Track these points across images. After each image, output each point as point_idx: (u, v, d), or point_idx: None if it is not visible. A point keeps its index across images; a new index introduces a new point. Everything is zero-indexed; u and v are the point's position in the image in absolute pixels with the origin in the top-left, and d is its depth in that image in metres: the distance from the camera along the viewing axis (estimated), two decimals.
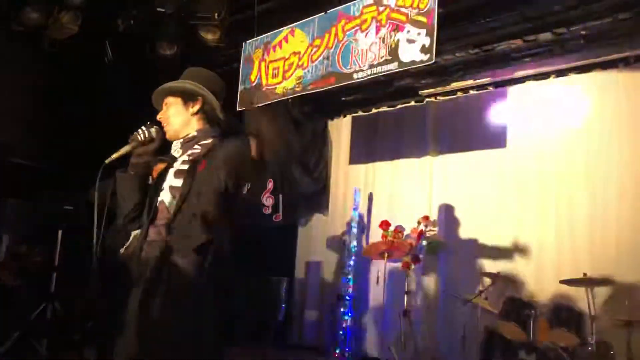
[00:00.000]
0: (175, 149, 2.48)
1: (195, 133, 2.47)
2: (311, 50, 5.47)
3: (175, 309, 2.14)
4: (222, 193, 2.25)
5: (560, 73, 6.17)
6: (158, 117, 2.51)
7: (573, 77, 6.15)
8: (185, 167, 2.34)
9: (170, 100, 2.48)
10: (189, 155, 2.39)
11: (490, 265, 6.17)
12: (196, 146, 2.42)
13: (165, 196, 2.36)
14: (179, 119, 2.46)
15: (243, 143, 2.30)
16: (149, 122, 2.52)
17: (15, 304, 5.46)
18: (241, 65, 6.21)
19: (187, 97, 2.47)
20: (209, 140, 2.43)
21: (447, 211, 6.96)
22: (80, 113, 6.45)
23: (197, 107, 2.47)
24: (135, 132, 2.48)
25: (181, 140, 2.47)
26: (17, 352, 5.21)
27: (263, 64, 5.93)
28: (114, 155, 2.48)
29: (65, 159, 6.17)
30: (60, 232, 5.70)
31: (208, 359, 2.19)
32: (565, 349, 4.99)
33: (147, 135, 2.45)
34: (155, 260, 2.22)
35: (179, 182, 2.31)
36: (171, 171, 2.39)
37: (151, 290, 2.18)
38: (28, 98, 6.47)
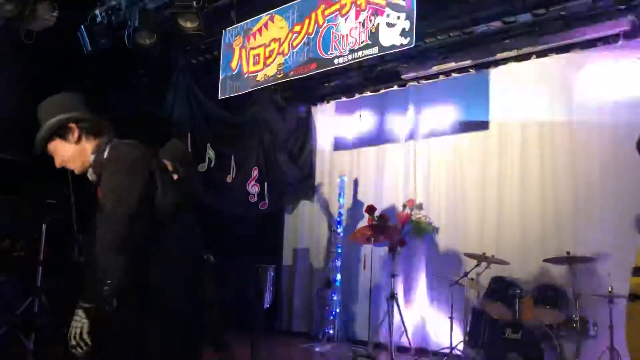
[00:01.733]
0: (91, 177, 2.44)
1: (93, 157, 2.39)
2: (291, 36, 5.44)
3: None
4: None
5: (541, 53, 6.20)
6: (57, 165, 2.43)
7: (553, 57, 6.18)
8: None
9: (51, 147, 2.40)
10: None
11: (475, 247, 6.22)
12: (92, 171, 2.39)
13: None
14: (71, 154, 2.39)
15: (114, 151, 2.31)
16: None
17: (1, 299, 5.43)
18: (222, 53, 6.17)
19: (61, 134, 2.37)
20: (104, 156, 2.36)
21: (431, 194, 7.00)
22: None
23: (76, 133, 2.38)
24: None
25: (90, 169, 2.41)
26: (4, 347, 5.19)
27: (244, 51, 5.89)
28: None
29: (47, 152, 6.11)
30: (44, 226, 5.65)
31: None
32: (550, 326, 5.09)
33: None
34: None
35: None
36: None
37: None
38: (7, 90, 6.38)
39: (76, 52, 6.23)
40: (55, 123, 2.34)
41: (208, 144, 7.41)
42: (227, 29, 6.08)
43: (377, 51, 4.78)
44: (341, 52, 5.01)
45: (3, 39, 6.11)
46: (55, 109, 2.39)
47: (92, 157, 2.37)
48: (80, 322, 2.07)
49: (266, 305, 5.51)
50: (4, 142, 6.23)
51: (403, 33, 4.56)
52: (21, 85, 6.46)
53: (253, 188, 7.75)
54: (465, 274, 5.70)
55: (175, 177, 3.27)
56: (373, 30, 4.78)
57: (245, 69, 5.85)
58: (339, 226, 7.62)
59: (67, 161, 2.39)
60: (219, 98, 6.17)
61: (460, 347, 5.78)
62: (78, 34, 6.11)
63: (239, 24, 5.98)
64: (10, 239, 5.68)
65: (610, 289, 4.93)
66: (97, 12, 6.13)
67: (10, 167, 6.11)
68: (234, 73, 5.94)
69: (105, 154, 2.33)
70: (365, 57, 4.96)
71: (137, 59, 6.46)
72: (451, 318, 5.88)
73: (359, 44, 4.86)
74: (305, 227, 8.26)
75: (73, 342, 2.08)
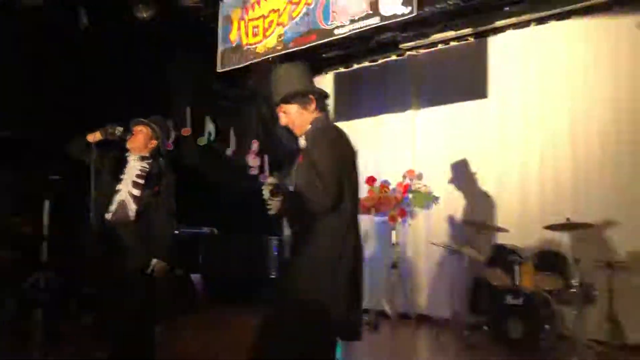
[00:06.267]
0: (302, 143, 2.67)
1: (310, 127, 2.66)
2: (290, 7, 5.39)
3: None
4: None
5: (540, 21, 6.18)
6: (282, 123, 2.71)
7: (552, 24, 6.16)
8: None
9: (286, 107, 2.67)
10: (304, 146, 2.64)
11: (475, 214, 6.28)
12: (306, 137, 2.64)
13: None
14: (301, 119, 2.67)
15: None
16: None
17: (8, 275, 5.48)
18: (219, 25, 6.12)
19: (302, 101, 2.65)
20: (310, 129, 2.66)
21: (431, 164, 7.02)
22: (61, 81, 6.34)
23: (313, 105, 2.66)
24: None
25: (303, 136, 2.67)
26: (13, 323, 5.26)
27: (242, 23, 5.84)
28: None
29: (48, 128, 6.10)
30: (47, 202, 5.68)
31: None
32: (550, 292, 5.17)
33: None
34: None
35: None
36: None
37: None
38: (5, 68, 6.33)
39: (74, 27, 6.17)
40: (303, 90, 2.64)
41: (207, 118, 7.40)
42: (225, 0, 6.02)
43: (378, 21, 4.76)
44: (342, 23, 4.98)
45: None
46: (305, 78, 2.70)
47: (309, 127, 2.65)
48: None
49: (272, 276, 5.59)
50: (3, 119, 6.21)
51: (404, 2, 4.54)
52: (20, 63, 6.41)
53: (253, 161, 7.76)
54: (466, 242, 5.76)
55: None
56: None
57: (244, 40, 5.82)
58: None
59: (294, 124, 2.68)
60: (218, 71, 6.14)
61: (462, 313, 5.89)
62: (76, 9, 6.04)
63: None
64: (18, 215, 5.72)
65: (610, 256, 5.01)
66: None
67: (11, 145, 6.11)
68: (233, 45, 5.90)
69: (317, 127, 2.62)
70: (366, 27, 4.93)
71: (135, 32, 6.39)
72: (452, 286, 5.97)
73: (360, 14, 4.83)
74: None
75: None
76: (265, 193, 2.44)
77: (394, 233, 6.65)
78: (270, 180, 2.46)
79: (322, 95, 2.69)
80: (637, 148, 5.49)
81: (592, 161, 5.81)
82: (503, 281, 5.36)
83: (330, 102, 8.14)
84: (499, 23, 6.34)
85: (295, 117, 2.64)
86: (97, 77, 6.06)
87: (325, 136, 2.54)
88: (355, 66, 7.80)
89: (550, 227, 5.31)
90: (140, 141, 3.84)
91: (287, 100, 2.62)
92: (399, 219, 6.78)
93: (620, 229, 5.41)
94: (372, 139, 7.65)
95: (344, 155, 2.57)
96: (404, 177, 6.93)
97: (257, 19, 5.71)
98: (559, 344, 4.96)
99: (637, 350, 5.09)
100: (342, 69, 7.98)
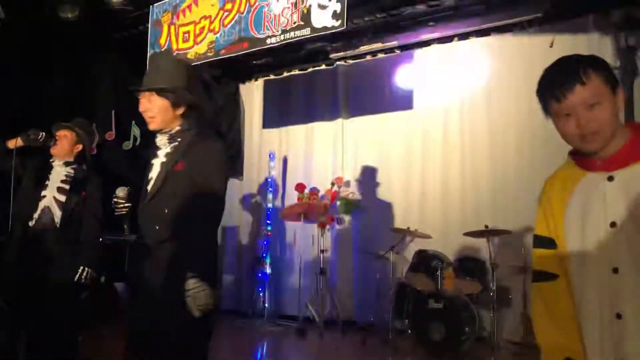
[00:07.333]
0: (162, 142, 2.51)
1: (178, 127, 2.50)
2: (222, 14, 5.39)
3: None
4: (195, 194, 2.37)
5: (462, 36, 6.48)
6: (141, 108, 2.49)
7: (473, 40, 6.47)
8: (165, 160, 2.44)
9: (154, 98, 2.47)
10: (170, 149, 2.47)
11: (400, 222, 6.48)
12: (178, 139, 2.48)
13: (148, 186, 2.45)
14: (164, 117, 2.48)
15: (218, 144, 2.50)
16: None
17: None
18: (149, 29, 6.02)
19: (175, 102, 2.46)
20: (190, 134, 2.49)
21: (358, 172, 7.19)
22: None
23: (182, 109, 2.49)
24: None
25: (167, 134, 2.50)
26: None
27: (172, 27, 5.78)
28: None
29: None
30: None
31: None
32: (469, 296, 5.42)
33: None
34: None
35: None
36: (156, 162, 2.47)
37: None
38: None
39: None
40: (180, 93, 2.44)
41: (133, 122, 7.24)
42: (155, 4, 5.94)
43: (309, 32, 4.85)
44: (273, 32, 5.04)
45: None
46: (182, 72, 2.51)
47: (177, 128, 2.48)
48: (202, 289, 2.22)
49: None
50: None
51: (335, 15, 4.66)
52: None
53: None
54: (391, 248, 5.94)
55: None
56: (305, 11, 4.84)
57: (174, 45, 5.76)
58: (268, 204, 7.70)
59: (155, 117, 2.46)
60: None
61: (387, 318, 6.05)
62: None
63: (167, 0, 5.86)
64: None
65: (524, 261, 5.33)
66: None
67: None
68: (162, 50, 5.82)
69: (197, 137, 2.46)
70: (298, 38, 5.02)
71: (58, 33, 6.17)
72: (377, 291, 6.13)
73: (291, 25, 4.91)
74: (234, 205, 8.25)
75: (205, 305, 2.21)
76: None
77: (322, 239, 6.75)
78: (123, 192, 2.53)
79: (194, 107, 2.53)
80: (551, 158, 5.82)
81: (510, 171, 6.13)
82: (426, 285, 5.55)
83: (260, 109, 8.21)
84: (424, 37, 6.58)
85: (160, 111, 2.45)
86: (16, 78, 5.80)
87: (222, 156, 2.48)
88: (286, 74, 7.87)
89: (470, 234, 5.56)
90: (64, 146, 3.73)
91: (163, 91, 2.44)
92: (327, 226, 6.89)
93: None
94: (302, 146, 7.74)
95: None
96: (333, 184, 7.04)
97: (188, 24, 5.67)
98: (478, 345, 5.19)
99: None
100: (272, 76, 8.03)
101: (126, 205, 2.50)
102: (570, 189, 1.64)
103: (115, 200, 2.50)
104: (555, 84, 1.57)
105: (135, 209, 2.48)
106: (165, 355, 2.29)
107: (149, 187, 2.43)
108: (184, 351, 2.28)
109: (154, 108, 2.45)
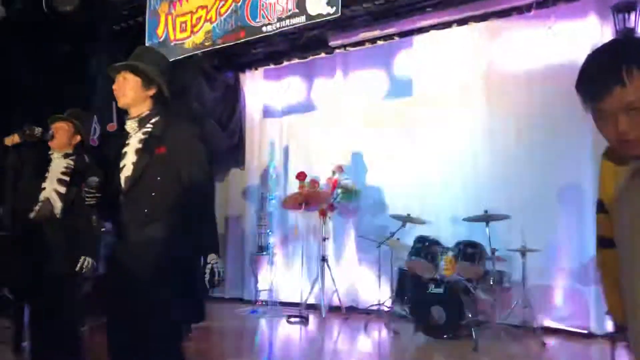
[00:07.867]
0: (132, 127, 2.58)
1: (148, 112, 2.59)
2: (218, 3, 5.40)
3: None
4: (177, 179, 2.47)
5: (461, 22, 6.45)
6: (114, 87, 2.60)
7: (472, 26, 6.45)
8: (141, 145, 2.51)
9: (129, 76, 2.57)
10: (144, 134, 2.54)
11: (400, 208, 6.50)
12: (149, 125, 2.56)
13: (126, 172, 2.51)
14: (135, 95, 2.58)
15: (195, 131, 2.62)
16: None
17: None
18: (147, 20, 6.04)
19: (147, 81, 2.57)
20: (160, 120, 2.59)
21: (359, 159, 7.21)
22: None
23: (153, 91, 2.59)
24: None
25: (137, 118, 2.58)
26: None
27: (170, 18, 5.80)
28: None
29: None
30: None
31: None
32: (470, 280, 5.45)
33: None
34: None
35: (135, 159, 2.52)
36: (130, 149, 2.53)
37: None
38: None
39: None
40: (152, 76, 2.57)
41: None
42: None
43: (304, 20, 4.86)
44: (269, 20, 5.04)
45: None
46: (155, 58, 2.67)
47: (145, 112, 2.57)
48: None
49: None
50: None
51: (329, 2, 4.66)
52: None
53: None
54: (392, 234, 5.97)
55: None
56: None
57: (172, 36, 5.78)
58: (270, 193, 7.74)
59: (126, 95, 2.56)
60: None
61: (388, 303, 6.11)
62: None
63: None
64: None
65: (523, 245, 5.35)
66: None
67: None
68: (160, 40, 5.84)
69: (171, 122, 2.57)
70: (293, 26, 5.03)
71: (55, 25, 6.19)
72: (379, 277, 6.18)
73: (287, 12, 4.92)
74: (236, 195, 8.31)
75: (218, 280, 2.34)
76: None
77: (323, 227, 6.79)
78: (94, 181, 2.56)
79: (163, 95, 2.63)
80: (550, 143, 5.83)
81: (509, 156, 6.13)
82: (427, 271, 5.58)
83: (260, 99, 8.22)
84: (422, 23, 6.56)
85: (132, 89, 2.55)
86: (13, 71, 5.82)
87: (199, 138, 2.59)
88: (285, 63, 7.87)
89: (470, 219, 5.58)
90: (62, 138, 3.75)
91: (136, 68, 2.55)
92: (329, 214, 6.92)
93: (533, 220, 5.74)
94: (303, 134, 7.77)
95: None
96: (333, 172, 7.06)
97: (185, 14, 5.68)
98: (478, 328, 5.23)
99: (548, 332, 5.46)
100: (272, 65, 8.03)
101: (96, 195, 2.54)
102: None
103: (86, 189, 2.54)
104: (592, 81, 1.33)
105: (105, 199, 2.53)
106: (145, 349, 2.35)
107: (127, 175, 2.48)
108: (162, 347, 2.37)
109: (127, 84, 2.55)
